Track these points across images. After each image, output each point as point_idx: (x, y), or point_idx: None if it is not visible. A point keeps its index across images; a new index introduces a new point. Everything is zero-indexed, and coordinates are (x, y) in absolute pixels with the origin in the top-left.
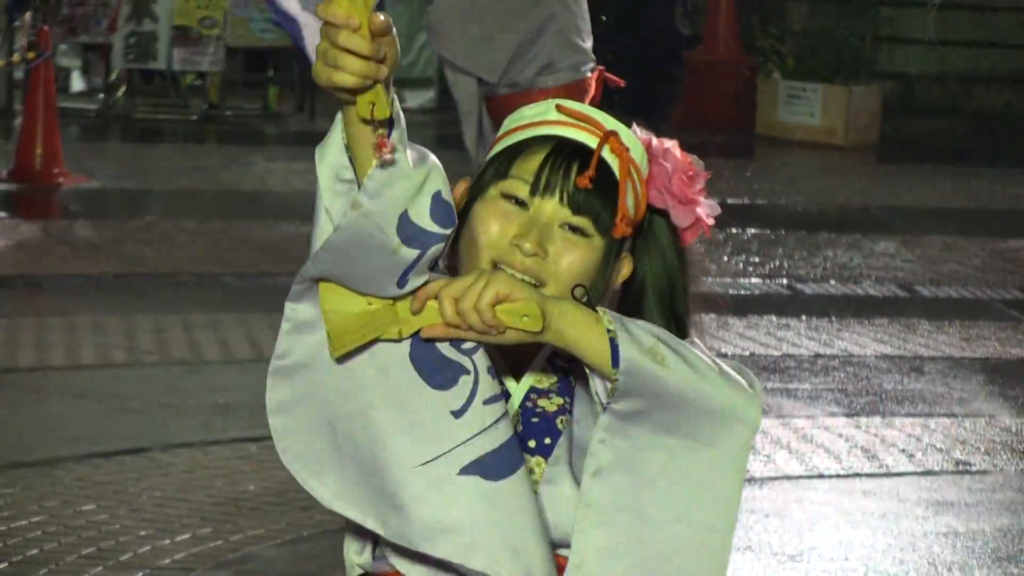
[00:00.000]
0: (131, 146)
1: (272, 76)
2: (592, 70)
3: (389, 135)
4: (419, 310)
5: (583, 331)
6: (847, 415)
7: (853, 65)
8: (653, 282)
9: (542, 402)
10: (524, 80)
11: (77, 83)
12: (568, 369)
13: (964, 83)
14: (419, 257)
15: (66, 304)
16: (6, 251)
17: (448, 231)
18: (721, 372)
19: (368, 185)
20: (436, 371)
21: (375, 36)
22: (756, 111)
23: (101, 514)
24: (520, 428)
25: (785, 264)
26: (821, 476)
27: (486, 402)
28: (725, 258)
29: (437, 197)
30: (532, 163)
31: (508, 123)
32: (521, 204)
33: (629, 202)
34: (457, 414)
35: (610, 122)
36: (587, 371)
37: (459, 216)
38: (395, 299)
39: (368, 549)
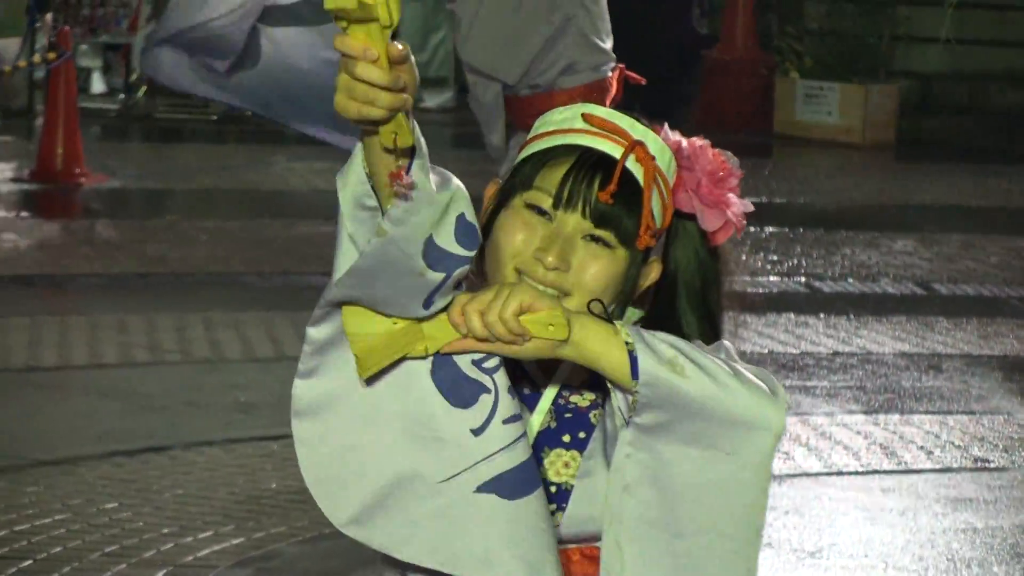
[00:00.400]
0: (152, 146)
1: None
2: (613, 69)
3: (411, 163)
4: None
5: (602, 344)
6: (865, 412)
7: (870, 64)
8: (686, 280)
9: (574, 398)
10: (545, 81)
11: (98, 84)
12: None
13: (981, 82)
14: (445, 279)
15: (88, 303)
16: (28, 251)
17: (473, 252)
18: (742, 380)
19: (392, 213)
20: (457, 389)
21: (393, 65)
22: (774, 110)
23: (124, 512)
24: (553, 424)
25: (803, 262)
26: (840, 473)
27: (505, 421)
28: (744, 256)
29: (462, 219)
30: (556, 174)
31: (537, 127)
32: (544, 215)
33: (655, 210)
34: (477, 432)
35: (637, 130)
36: (608, 386)
37: (485, 222)
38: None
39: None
